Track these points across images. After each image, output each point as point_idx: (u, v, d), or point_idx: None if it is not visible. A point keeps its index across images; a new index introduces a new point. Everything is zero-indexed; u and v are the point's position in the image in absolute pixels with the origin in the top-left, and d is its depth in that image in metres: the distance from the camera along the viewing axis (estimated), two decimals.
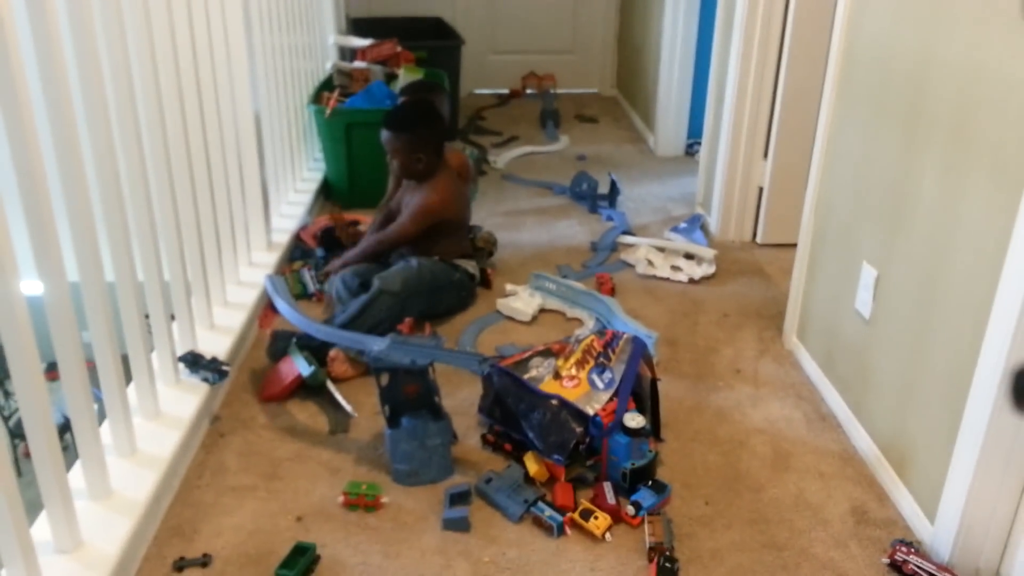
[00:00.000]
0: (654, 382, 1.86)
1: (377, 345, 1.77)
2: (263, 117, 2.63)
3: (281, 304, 2.11)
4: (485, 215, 3.13)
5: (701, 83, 3.58)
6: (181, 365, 1.91)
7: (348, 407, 1.95)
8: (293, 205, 3.01)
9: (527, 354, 1.88)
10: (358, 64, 3.55)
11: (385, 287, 2.21)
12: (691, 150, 3.91)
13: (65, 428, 2.26)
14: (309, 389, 2.01)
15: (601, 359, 1.80)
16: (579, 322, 2.39)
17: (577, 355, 1.83)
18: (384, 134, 2.43)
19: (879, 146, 1.82)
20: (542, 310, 2.45)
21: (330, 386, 1.99)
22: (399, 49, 3.62)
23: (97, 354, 1.58)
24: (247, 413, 1.98)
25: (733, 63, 2.81)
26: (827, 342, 2.08)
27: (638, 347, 1.82)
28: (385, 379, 1.74)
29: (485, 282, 2.59)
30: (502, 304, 2.45)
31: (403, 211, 2.44)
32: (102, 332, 1.56)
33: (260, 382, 2.07)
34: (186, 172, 1.97)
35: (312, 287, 2.52)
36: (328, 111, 3.14)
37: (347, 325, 2.11)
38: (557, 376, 1.79)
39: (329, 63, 3.66)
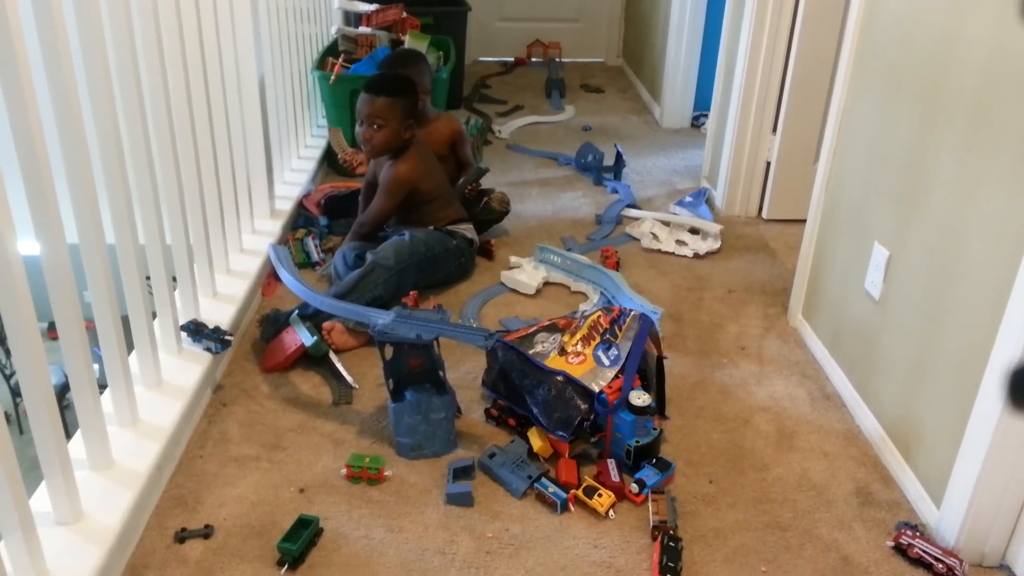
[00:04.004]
0: (660, 360, 1.84)
1: (382, 319, 1.75)
2: (267, 82, 2.58)
3: (285, 275, 2.09)
4: (490, 185, 3.08)
5: (709, 54, 3.52)
6: (184, 334, 1.89)
7: (349, 378, 1.94)
8: (297, 172, 2.98)
9: (533, 329, 1.86)
10: (363, 30, 3.50)
11: (379, 261, 2.19)
12: (697, 122, 3.86)
13: (66, 388, 2.24)
14: (312, 359, 1.99)
15: (607, 336, 1.78)
16: (583, 296, 2.37)
17: (583, 331, 1.81)
18: (377, 101, 2.29)
19: (896, 123, 1.78)
20: (546, 283, 2.43)
21: (332, 357, 1.98)
22: (404, 15, 3.56)
23: (98, 319, 1.56)
24: (250, 383, 1.96)
25: (745, 34, 2.75)
26: (834, 321, 2.06)
27: (645, 325, 1.79)
28: (389, 352, 1.72)
29: (487, 252, 2.57)
30: (506, 276, 2.43)
31: (379, 187, 2.41)
32: (103, 296, 1.53)
33: (263, 352, 2.05)
34: (189, 135, 1.94)
35: (316, 255, 2.49)
36: (332, 77, 3.09)
37: (342, 298, 2.07)
38: (563, 352, 1.77)
39: (334, 28, 3.60)
